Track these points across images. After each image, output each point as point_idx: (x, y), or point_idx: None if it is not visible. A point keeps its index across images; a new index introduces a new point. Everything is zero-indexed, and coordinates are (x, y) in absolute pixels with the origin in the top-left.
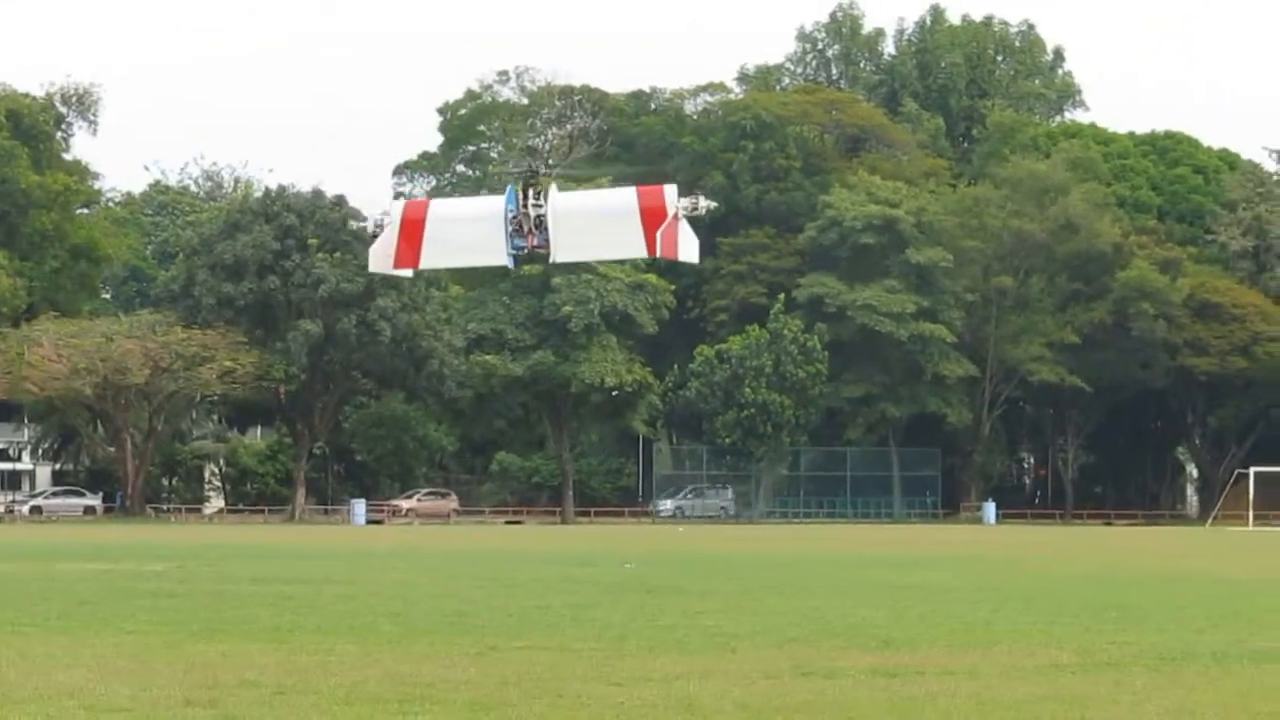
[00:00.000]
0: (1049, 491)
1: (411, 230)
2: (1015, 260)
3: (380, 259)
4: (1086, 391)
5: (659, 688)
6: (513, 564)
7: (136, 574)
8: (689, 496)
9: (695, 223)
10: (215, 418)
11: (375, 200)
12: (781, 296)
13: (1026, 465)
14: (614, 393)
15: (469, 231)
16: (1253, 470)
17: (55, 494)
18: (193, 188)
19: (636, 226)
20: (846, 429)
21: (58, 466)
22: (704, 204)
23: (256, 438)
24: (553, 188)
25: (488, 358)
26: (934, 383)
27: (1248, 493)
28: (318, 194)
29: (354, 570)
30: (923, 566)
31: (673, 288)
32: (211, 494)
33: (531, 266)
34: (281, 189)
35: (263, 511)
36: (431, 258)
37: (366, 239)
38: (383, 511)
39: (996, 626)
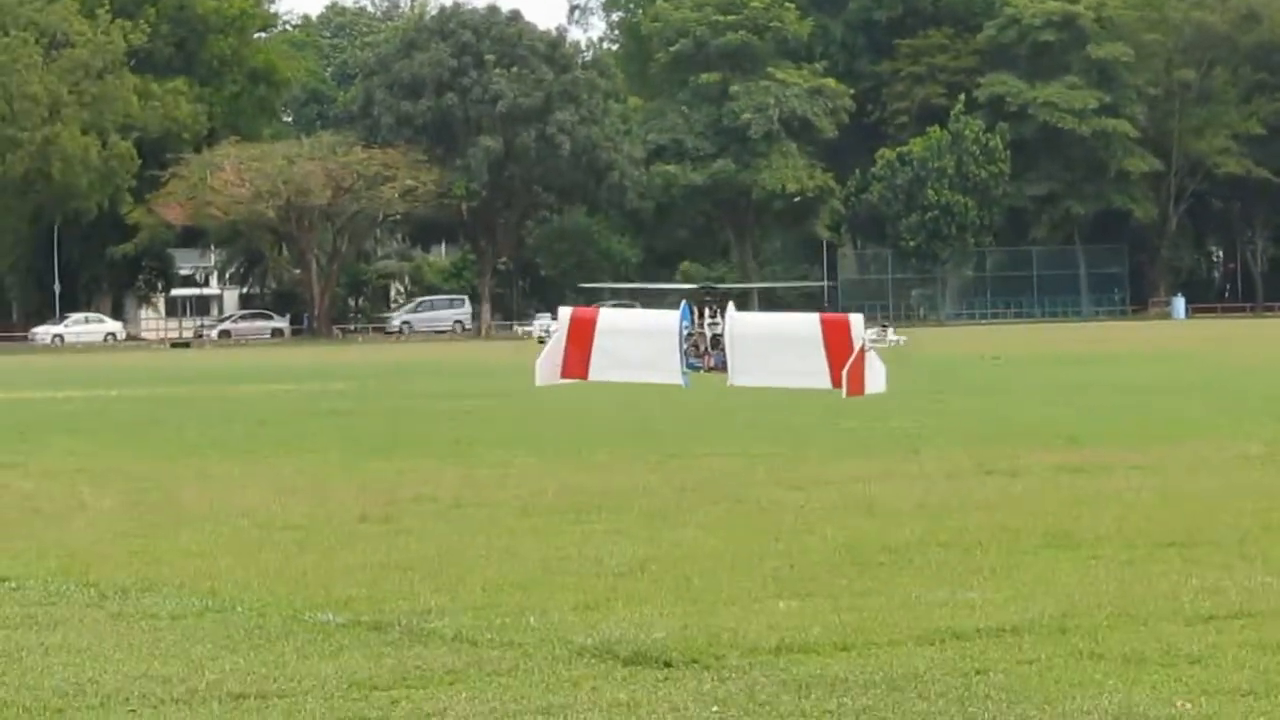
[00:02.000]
0: (1239, 285)
1: (580, 340)
2: (1197, 53)
3: (547, 370)
4: (1274, 183)
5: (839, 490)
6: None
7: (319, 394)
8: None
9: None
10: (399, 237)
11: (550, 14)
12: (961, 97)
13: (1215, 260)
14: (795, 199)
15: (642, 347)
16: None
17: (242, 318)
18: (369, 8)
19: (820, 359)
20: (1031, 228)
21: (244, 290)
22: (891, 336)
23: (441, 255)
24: (730, 307)
25: (668, 168)
26: (1118, 179)
27: None
28: (493, 9)
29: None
30: (1110, 363)
31: (851, 92)
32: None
33: (709, 74)
34: (457, 6)
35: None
36: (601, 370)
37: (534, 341)
38: None
39: (1184, 421)
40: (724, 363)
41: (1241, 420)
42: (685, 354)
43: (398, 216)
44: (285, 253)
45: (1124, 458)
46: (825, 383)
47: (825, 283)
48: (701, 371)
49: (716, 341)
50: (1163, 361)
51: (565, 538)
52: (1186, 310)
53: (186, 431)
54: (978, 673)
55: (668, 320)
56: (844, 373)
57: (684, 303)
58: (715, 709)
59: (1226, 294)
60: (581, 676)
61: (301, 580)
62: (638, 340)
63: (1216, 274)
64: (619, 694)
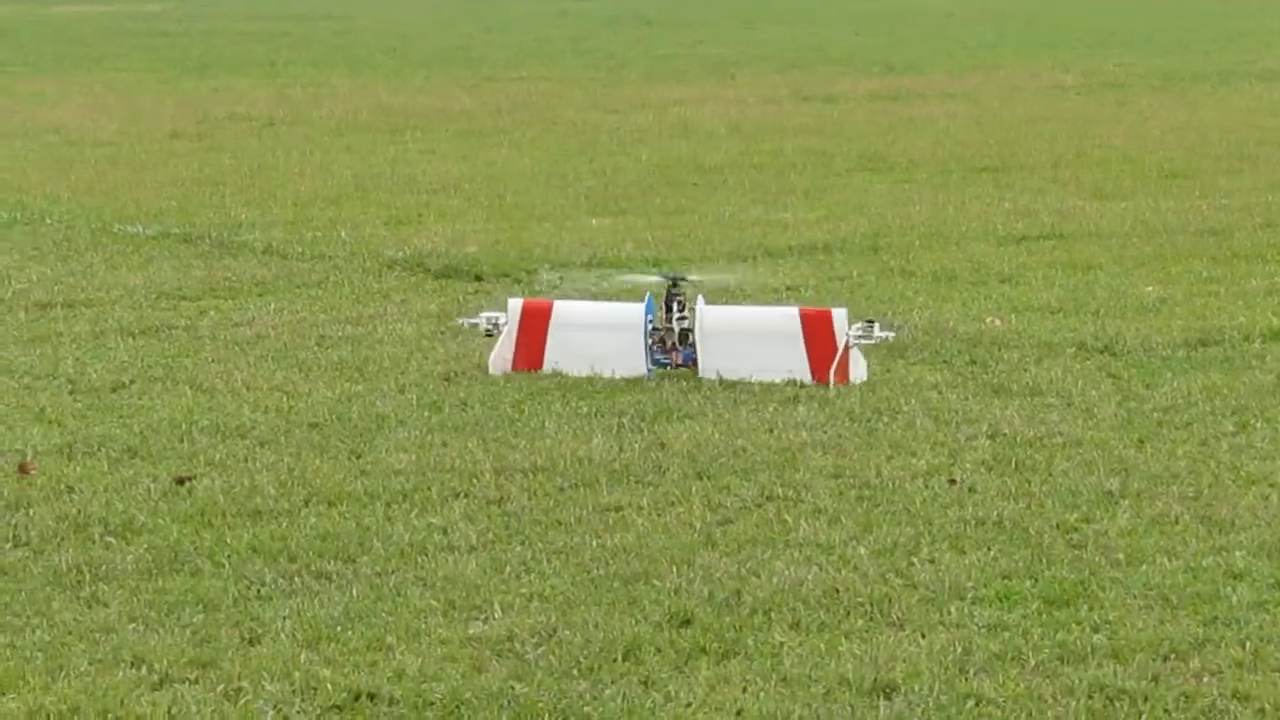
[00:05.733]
0: None
1: (532, 333)
2: None
3: (499, 362)
4: None
5: (655, 114)
6: (510, 0)
7: (133, 14)
8: None
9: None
10: None
11: None
12: None
13: None
14: None
15: (604, 341)
16: None
17: None
18: None
19: (800, 354)
20: None
21: None
22: (879, 333)
23: None
24: (700, 300)
25: None
26: None
27: None
28: None
29: (352, 6)
30: None
31: None
32: None
33: None
34: None
35: None
36: (556, 363)
37: (480, 333)
38: None
39: (1000, 50)
40: (694, 359)
41: (1056, 51)
42: (651, 350)
43: None
44: None
45: (940, 85)
46: (804, 376)
47: None
48: (669, 369)
49: (685, 337)
50: None
51: (379, 156)
52: None
53: None
54: (788, 289)
55: (631, 313)
56: (830, 372)
57: (648, 295)
58: None
59: None
60: (392, 288)
61: (112, 194)
62: (600, 334)
63: None
64: (429, 305)
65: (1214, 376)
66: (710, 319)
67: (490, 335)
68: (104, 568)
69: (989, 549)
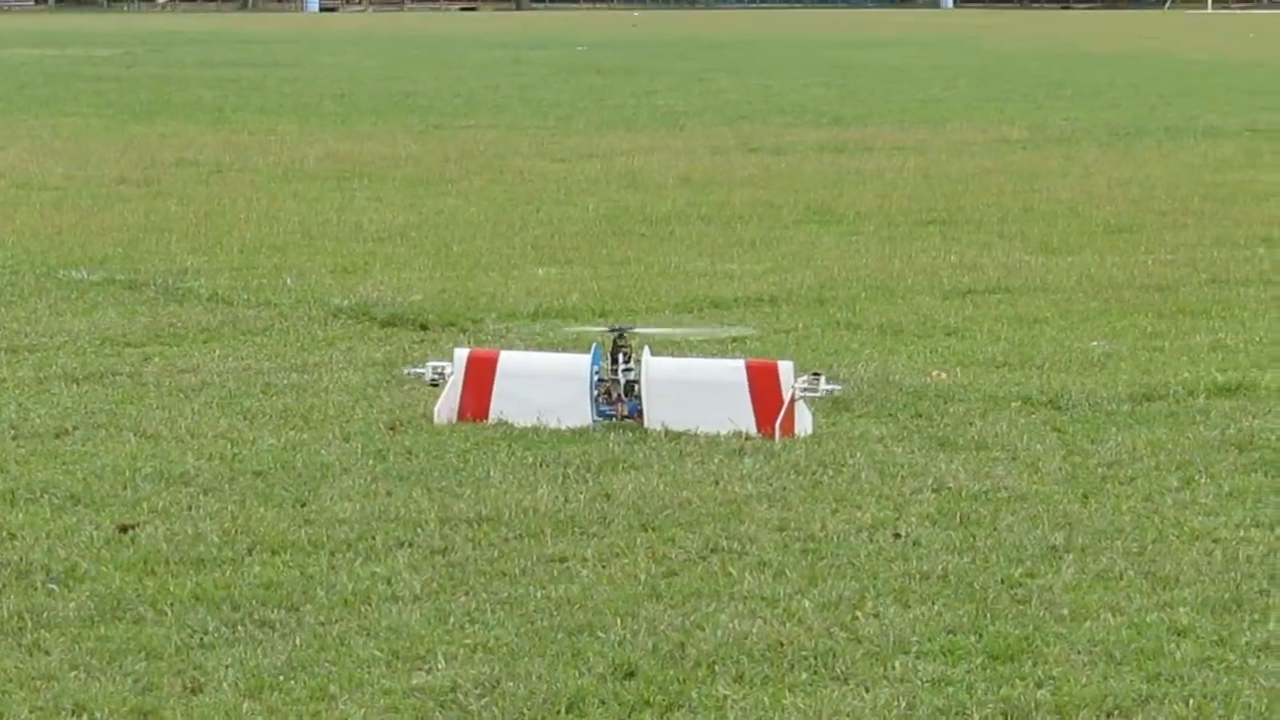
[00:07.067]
0: None
1: (478, 385)
2: None
3: (445, 412)
4: None
5: (603, 163)
6: (464, 48)
7: (82, 59)
8: None
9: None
10: None
11: None
12: None
13: None
14: None
15: (549, 391)
16: None
17: None
18: None
19: (746, 405)
20: None
21: None
22: (825, 386)
23: None
24: (646, 352)
25: None
26: None
27: None
28: None
29: (303, 55)
30: (876, 47)
31: None
32: None
33: None
34: None
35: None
36: (502, 413)
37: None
38: None
39: (948, 104)
40: (639, 411)
41: (1004, 105)
42: (596, 401)
43: None
44: None
45: (887, 138)
46: (749, 429)
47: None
48: (615, 420)
49: (631, 388)
50: (928, 47)
51: (325, 203)
52: (955, 0)
53: None
54: (734, 341)
55: (577, 364)
56: (776, 425)
57: (594, 345)
58: None
59: None
60: (338, 336)
61: (57, 239)
62: (545, 384)
63: None
64: (375, 353)
65: (1159, 432)
66: (656, 370)
67: (436, 385)
68: (46, 615)
69: (934, 603)
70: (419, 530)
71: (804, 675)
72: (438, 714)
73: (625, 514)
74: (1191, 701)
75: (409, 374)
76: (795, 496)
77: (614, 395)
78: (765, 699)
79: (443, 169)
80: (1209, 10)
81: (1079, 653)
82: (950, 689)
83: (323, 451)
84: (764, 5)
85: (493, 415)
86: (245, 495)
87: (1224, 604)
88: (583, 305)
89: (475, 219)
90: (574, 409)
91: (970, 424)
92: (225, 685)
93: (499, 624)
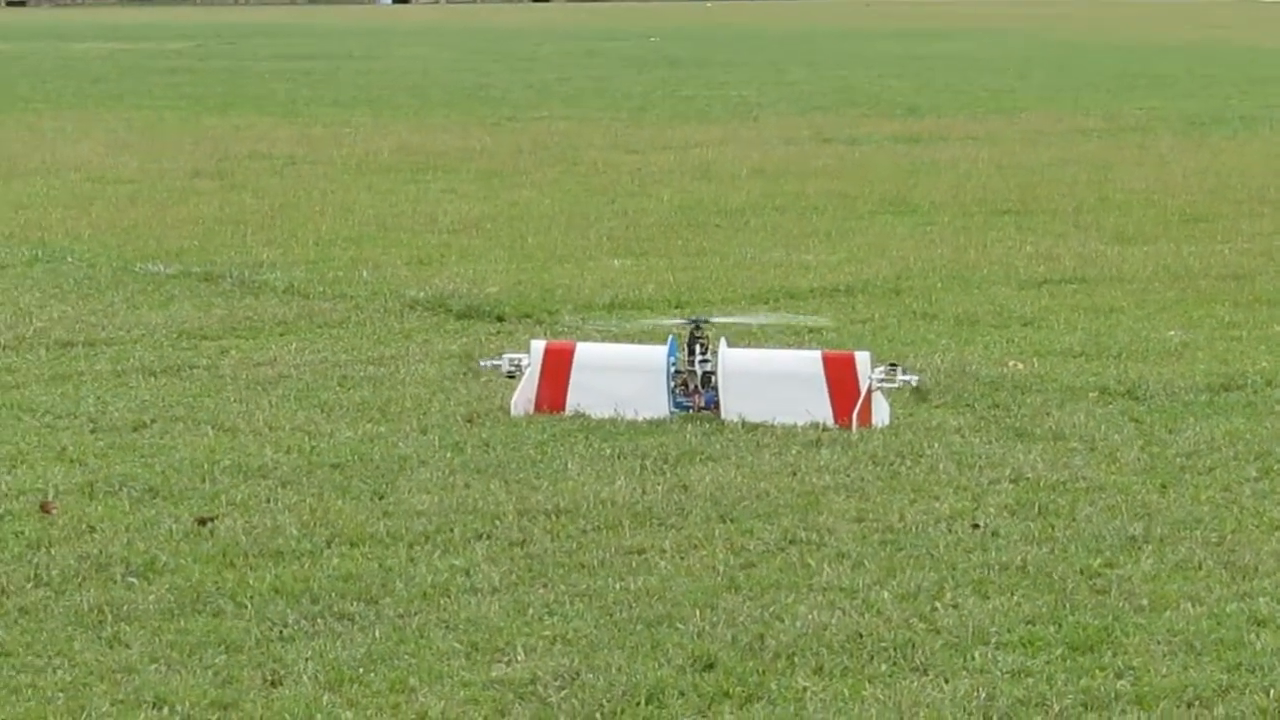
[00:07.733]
0: None
1: (554, 377)
2: None
3: (521, 404)
4: None
5: (677, 155)
6: (536, 40)
7: (155, 53)
8: None
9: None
10: None
11: None
12: None
13: None
14: None
15: (625, 383)
16: None
17: None
18: None
19: (823, 398)
20: None
21: None
22: (902, 377)
23: None
24: (722, 343)
25: None
26: None
27: None
28: None
29: (375, 47)
30: (950, 38)
31: None
32: None
33: None
34: None
35: None
36: (579, 404)
37: (503, 375)
38: None
39: (1022, 94)
40: (716, 402)
41: (1078, 95)
42: (673, 392)
43: None
44: None
45: (962, 128)
46: (827, 420)
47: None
48: (691, 412)
49: (708, 380)
50: (1003, 37)
51: (400, 196)
52: None
53: (18, 86)
54: (810, 332)
55: (654, 356)
56: (853, 416)
57: (670, 338)
58: None
59: None
60: (414, 328)
61: (133, 232)
62: (622, 377)
63: None
64: (451, 346)
65: (1237, 421)
66: (732, 362)
67: (513, 377)
68: (125, 608)
69: (1012, 594)
70: (497, 522)
71: (883, 666)
72: (517, 706)
73: (703, 505)
74: (1272, 692)
75: (485, 366)
76: (873, 487)
77: (691, 387)
78: (845, 690)
79: (516, 161)
80: None
81: (1158, 643)
82: (1030, 680)
83: (400, 444)
84: None
85: (569, 407)
86: (323, 488)
87: None
88: (658, 297)
89: (549, 211)
90: (651, 401)
91: (1047, 414)
92: (305, 678)
93: (578, 616)
